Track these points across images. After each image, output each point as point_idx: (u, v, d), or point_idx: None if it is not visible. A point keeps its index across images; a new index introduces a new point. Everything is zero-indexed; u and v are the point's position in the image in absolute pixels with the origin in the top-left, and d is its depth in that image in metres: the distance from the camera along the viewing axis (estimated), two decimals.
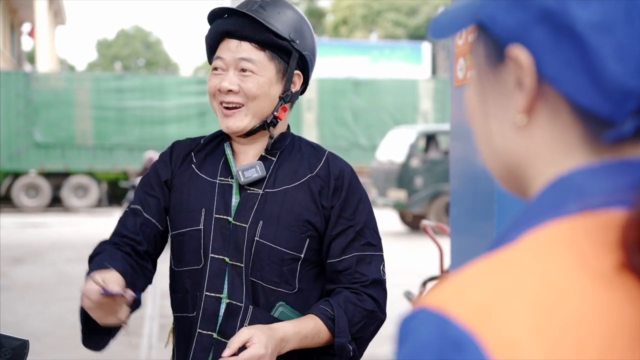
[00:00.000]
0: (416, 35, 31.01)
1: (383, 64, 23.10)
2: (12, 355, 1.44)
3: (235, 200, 1.60)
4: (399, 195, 12.48)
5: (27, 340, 1.49)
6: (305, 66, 1.64)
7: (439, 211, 12.16)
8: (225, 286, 1.56)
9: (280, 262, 1.56)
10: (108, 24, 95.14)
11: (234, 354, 1.41)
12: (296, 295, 1.58)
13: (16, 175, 16.73)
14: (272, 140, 1.62)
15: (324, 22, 35.84)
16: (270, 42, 1.58)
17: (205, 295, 1.57)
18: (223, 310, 1.56)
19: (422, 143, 13.01)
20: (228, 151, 1.65)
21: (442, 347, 0.50)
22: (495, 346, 0.48)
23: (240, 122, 1.58)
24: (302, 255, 1.58)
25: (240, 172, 1.59)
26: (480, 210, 2.18)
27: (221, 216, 1.59)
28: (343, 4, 33.35)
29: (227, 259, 1.57)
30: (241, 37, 1.58)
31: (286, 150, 1.65)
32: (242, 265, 1.56)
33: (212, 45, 1.63)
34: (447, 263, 3.31)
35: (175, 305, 1.65)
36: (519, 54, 0.57)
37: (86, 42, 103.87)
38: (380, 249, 1.64)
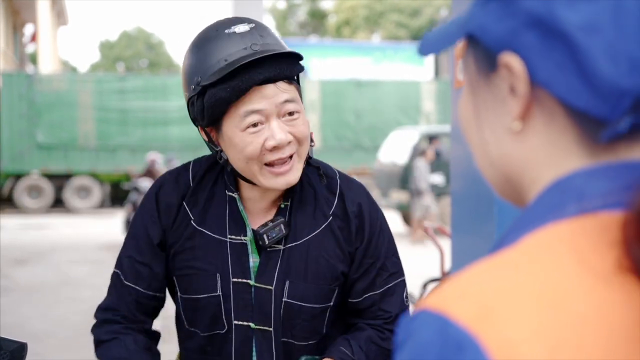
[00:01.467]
0: (419, 37, 31.01)
1: (386, 65, 23.12)
2: (10, 358, 1.45)
3: (253, 260, 1.44)
4: (402, 196, 12.48)
5: (25, 343, 1.50)
6: None
7: (441, 212, 12.15)
8: (254, 353, 1.46)
9: (312, 317, 1.46)
10: (110, 25, 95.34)
11: None
12: (323, 339, 1.50)
13: (18, 176, 16.78)
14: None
15: (327, 23, 35.88)
16: (300, 69, 1.39)
17: None
18: None
19: (424, 144, 13.01)
20: (240, 206, 1.46)
21: (443, 348, 0.50)
22: (495, 347, 0.49)
23: (298, 172, 1.40)
24: (332, 304, 1.48)
25: (264, 235, 1.41)
26: (480, 212, 2.18)
27: (239, 280, 1.43)
28: (346, 5, 33.38)
29: (252, 325, 1.44)
30: (276, 79, 1.35)
31: (298, 190, 1.47)
32: (270, 329, 1.44)
33: (231, 102, 1.33)
34: (448, 264, 3.31)
35: None
36: (511, 60, 0.58)
37: (89, 43, 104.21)
38: (402, 274, 1.53)
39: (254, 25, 1.37)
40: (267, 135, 1.35)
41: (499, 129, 0.61)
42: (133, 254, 1.48)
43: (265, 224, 1.43)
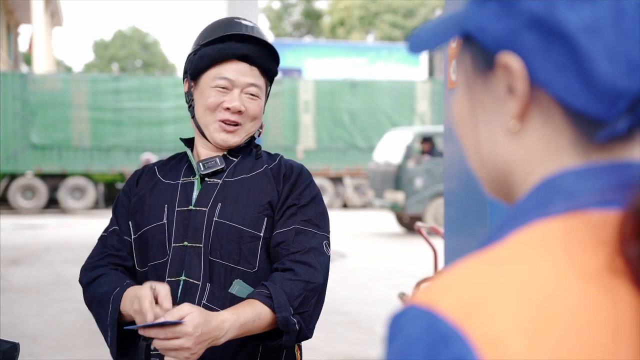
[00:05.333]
0: None
1: (380, 65, 23.12)
2: (3, 358, 1.45)
3: (196, 192, 1.70)
4: (396, 196, 12.49)
5: (18, 343, 1.50)
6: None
7: (435, 213, 12.17)
8: (184, 267, 1.62)
9: (239, 239, 1.62)
10: (105, 25, 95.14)
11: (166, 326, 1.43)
12: (256, 275, 1.62)
13: (13, 176, 16.72)
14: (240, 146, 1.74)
15: (321, 23, 35.87)
16: (274, 73, 1.76)
17: (167, 281, 1.60)
18: (180, 290, 1.60)
19: (418, 144, 13.03)
20: (190, 155, 1.75)
21: (430, 342, 0.51)
22: (481, 341, 0.50)
23: (238, 138, 1.71)
24: (262, 234, 1.64)
25: (201, 164, 1.70)
26: (473, 212, 2.19)
27: (182, 208, 1.67)
28: (340, 6, 33.37)
29: (186, 243, 1.63)
30: (254, 63, 1.70)
31: (245, 154, 1.77)
32: (200, 245, 1.62)
33: (214, 62, 1.69)
34: (441, 264, 3.32)
35: None
36: (510, 60, 0.58)
37: (83, 43, 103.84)
38: (326, 231, 1.68)
39: (257, 26, 1.75)
40: (227, 98, 1.69)
41: (495, 128, 0.62)
42: (117, 210, 1.79)
43: (205, 159, 1.72)
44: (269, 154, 1.80)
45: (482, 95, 0.62)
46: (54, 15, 27.73)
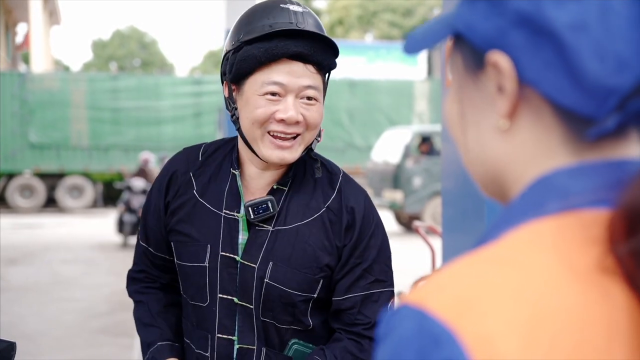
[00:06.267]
0: None
1: (379, 64, 23.11)
2: None
3: (242, 237, 1.49)
4: (394, 196, 12.50)
5: (14, 343, 1.50)
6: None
7: (434, 212, 12.18)
8: (236, 327, 1.49)
9: (292, 304, 1.47)
10: (103, 24, 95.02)
11: None
12: (311, 331, 1.51)
13: (11, 175, 16.69)
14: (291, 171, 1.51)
15: None
16: (332, 67, 1.48)
17: (217, 337, 1.50)
18: (235, 355, 1.50)
19: (417, 143, 13.03)
20: (239, 182, 1.51)
21: (421, 342, 0.51)
22: (472, 341, 0.50)
23: (296, 153, 1.45)
24: (315, 296, 1.48)
25: (250, 209, 1.46)
26: (471, 211, 2.19)
27: (227, 254, 1.48)
28: (339, 5, 33.36)
29: (235, 299, 1.48)
30: (309, 61, 1.43)
31: (298, 177, 1.51)
32: (251, 306, 1.47)
33: (260, 64, 1.41)
34: (439, 263, 3.33)
35: (187, 335, 1.59)
36: (499, 59, 0.58)
37: (81, 42, 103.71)
38: (391, 284, 1.52)
39: (307, 10, 1.46)
40: (280, 107, 1.42)
41: (486, 127, 0.62)
42: (146, 218, 1.61)
43: (255, 199, 1.48)
44: (326, 170, 1.53)
45: (473, 94, 0.63)
46: (52, 14, 27.70)
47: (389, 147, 13.24)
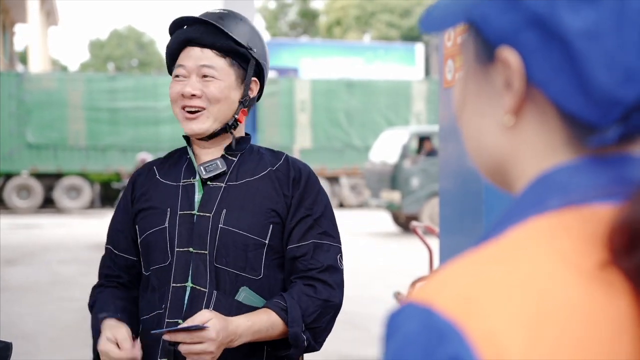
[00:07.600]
0: (410, 37, 31.03)
1: (377, 65, 23.11)
2: None
3: (198, 196, 1.67)
4: (392, 196, 12.50)
5: (10, 343, 1.51)
6: (260, 73, 1.74)
7: (432, 212, 12.18)
8: (190, 274, 1.62)
9: (245, 247, 1.62)
10: (101, 24, 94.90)
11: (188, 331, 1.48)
12: (261, 282, 1.63)
13: (8, 176, 16.66)
14: (235, 141, 1.70)
15: (318, 23, 35.85)
16: (230, 49, 1.67)
17: (172, 287, 1.62)
18: (188, 296, 1.61)
19: (414, 144, 13.04)
20: (190, 153, 1.72)
21: (427, 339, 0.51)
22: (478, 337, 0.50)
23: (203, 124, 1.66)
24: (267, 242, 1.63)
25: (202, 167, 1.67)
26: (469, 211, 2.20)
27: (185, 212, 1.65)
28: (337, 5, 33.36)
29: (191, 249, 1.63)
30: (203, 45, 1.66)
31: (246, 152, 1.73)
32: (206, 252, 1.62)
33: (173, 54, 1.71)
34: (437, 264, 3.33)
35: (144, 307, 1.68)
36: (509, 56, 0.58)
37: (79, 42, 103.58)
38: (338, 241, 1.70)
39: (227, 12, 1.71)
40: (184, 85, 1.66)
41: (492, 120, 0.62)
42: (114, 221, 1.79)
43: (205, 162, 1.69)
44: (272, 151, 1.76)
45: (482, 85, 0.62)
46: (49, 15, 27.65)
47: (387, 148, 13.24)
